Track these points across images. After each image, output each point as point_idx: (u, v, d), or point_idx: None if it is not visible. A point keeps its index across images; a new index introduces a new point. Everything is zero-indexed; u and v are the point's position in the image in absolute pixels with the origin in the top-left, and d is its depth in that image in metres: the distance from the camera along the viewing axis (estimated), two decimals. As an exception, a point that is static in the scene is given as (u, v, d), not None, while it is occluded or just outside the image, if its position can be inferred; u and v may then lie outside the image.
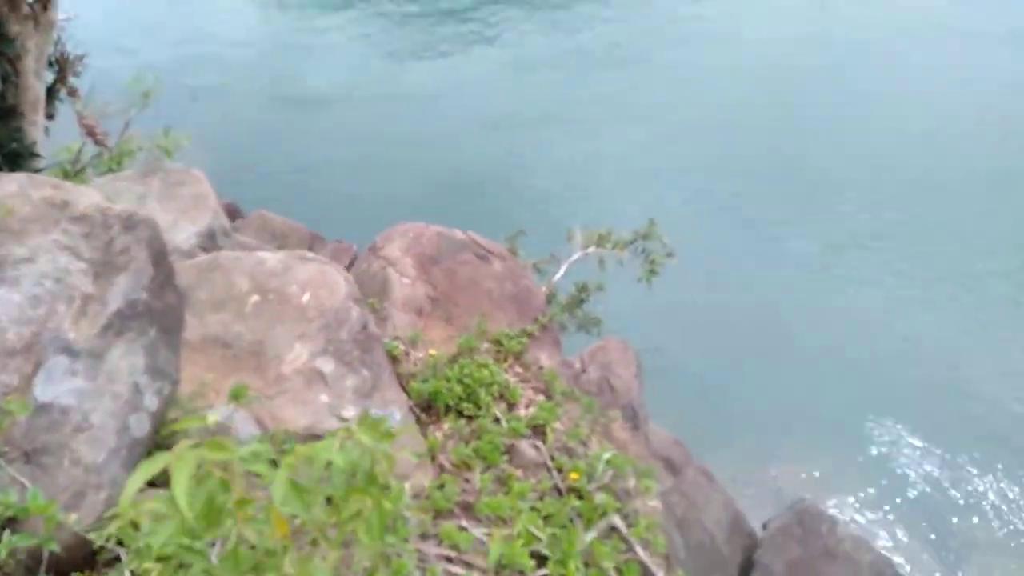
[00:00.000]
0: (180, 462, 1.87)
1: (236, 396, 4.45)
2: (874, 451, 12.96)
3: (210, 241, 6.26)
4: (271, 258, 5.40)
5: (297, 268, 5.31)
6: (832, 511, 11.80)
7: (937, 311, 15.32)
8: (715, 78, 22.46)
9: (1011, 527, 11.59)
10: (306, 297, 5.17)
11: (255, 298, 5.20)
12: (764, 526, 10.41)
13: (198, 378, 4.70)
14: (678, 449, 10.81)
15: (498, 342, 6.30)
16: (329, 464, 2.05)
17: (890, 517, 12.12)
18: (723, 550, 9.97)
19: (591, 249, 10.59)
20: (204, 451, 1.91)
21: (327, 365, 4.94)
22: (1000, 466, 12.59)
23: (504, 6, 26.82)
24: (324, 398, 4.84)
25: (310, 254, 5.59)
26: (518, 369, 6.33)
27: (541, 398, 6.07)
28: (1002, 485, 12.31)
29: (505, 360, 6.19)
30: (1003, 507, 12.02)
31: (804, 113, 20.82)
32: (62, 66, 9.59)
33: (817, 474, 12.61)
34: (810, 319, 15.05)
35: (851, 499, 12.37)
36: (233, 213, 12.79)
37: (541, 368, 6.46)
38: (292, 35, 25.63)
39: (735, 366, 13.97)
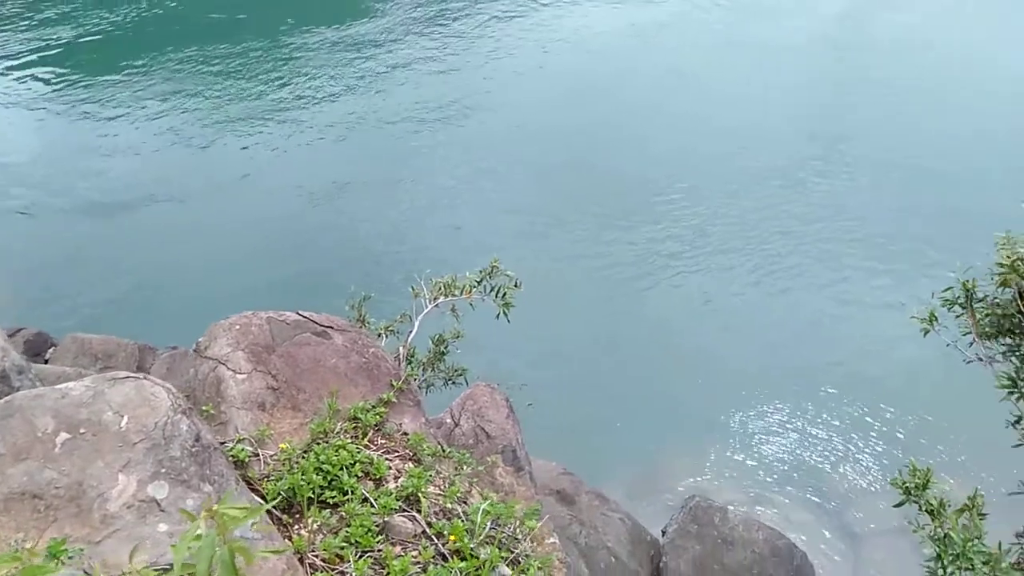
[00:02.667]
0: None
1: (54, 554, 3.86)
2: (746, 436, 13.63)
3: (2, 384, 5.53)
4: (77, 387, 4.83)
5: (109, 391, 4.78)
6: (721, 501, 12.22)
7: (769, 298, 16.50)
8: (529, 111, 23.32)
9: (871, 477, 12.49)
10: (124, 421, 4.66)
11: (64, 436, 4.62)
12: (663, 532, 10.58)
13: (5, 543, 4.06)
14: (568, 479, 10.81)
15: (354, 418, 5.99)
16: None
17: (771, 491, 12.73)
18: (629, 565, 10.01)
19: (440, 300, 10.51)
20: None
21: (160, 490, 4.44)
22: (856, 428, 13.62)
23: (299, 76, 26.43)
24: (163, 527, 4.34)
25: (123, 373, 5.06)
26: (381, 441, 6.03)
27: (410, 466, 5.81)
28: (859, 444, 13.30)
29: (365, 435, 5.88)
30: (863, 461, 12.97)
31: (618, 135, 21.97)
32: None
33: (702, 470, 13.06)
34: (659, 325, 15.73)
35: (735, 485, 12.88)
36: (41, 343, 11.55)
37: (406, 435, 6.20)
38: (81, 137, 23.82)
39: (603, 384, 14.30)
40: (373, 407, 6.12)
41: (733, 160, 19.78)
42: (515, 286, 10.38)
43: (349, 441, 5.61)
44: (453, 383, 9.98)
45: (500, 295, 10.37)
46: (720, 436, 13.50)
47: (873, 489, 12.18)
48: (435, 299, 10.50)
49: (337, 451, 5.35)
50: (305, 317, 6.48)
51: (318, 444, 5.47)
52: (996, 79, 21.40)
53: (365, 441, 5.80)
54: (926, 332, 7.44)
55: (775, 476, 12.98)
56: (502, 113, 22.86)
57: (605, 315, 15.96)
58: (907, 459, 11.89)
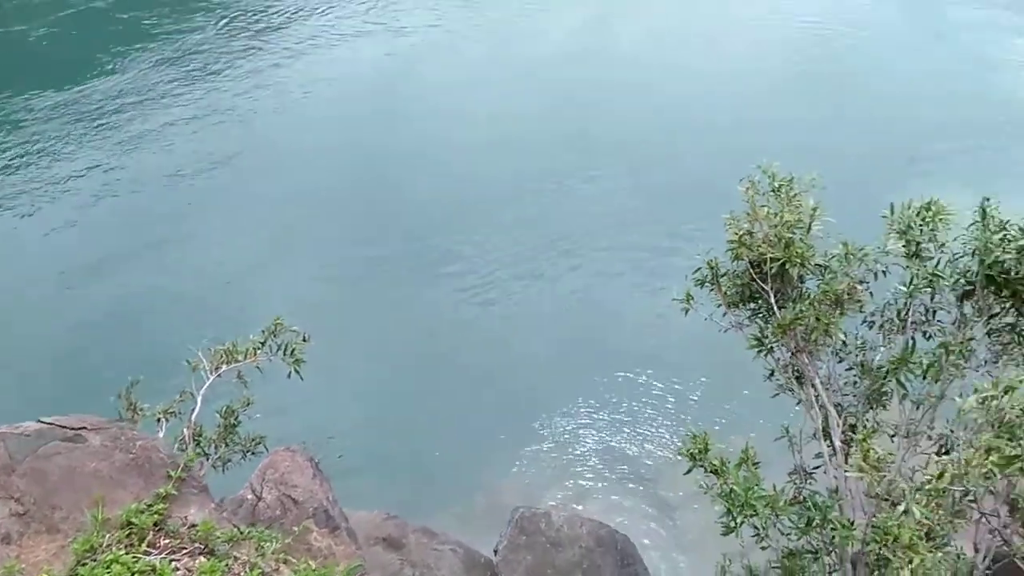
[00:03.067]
0: None
1: None
2: (559, 436, 14.18)
3: None
4: None
5: None
6: (547, 504, 12.60)
7: (557, 300, 17.30)
8: (296, 154, 22.60)
9: (673, 447, 13.51)
10: None
11: None
12: (495, 550, 10.66)
13: None
14: (393, 523, 10.55)
15: (128, 523, 5.37)
16: None
17: (590, 482, 13.34)
18: (468, 592, 9.97)
19: (223, 368, 9.81)
20: None
21: None
22: (652, 405, 14.68)
23: (34, 146, 23.59)
24: None
25: None
26: (165, 541, 5.47)
27: (202, 561, 5.31)
28: (657, 418, 14.37)
29: (143, 540, 5.29)
30: (663, 434, 14.03)
31: (392, 168, 21.88)
32: None
33: (525, 479, 13.37)
34: (457, 349, 15.94)
35: (557, 484, 13.34)
36: None
37: (194, 527, 5.67)
38: None
39: (413, 418, 14.20)
40: (150, 506, 5.52)
41: (505, 174, 20.58)
42: (304, 340, 9.97)
43: (123, 552, 5.01)
44: (252, 453, 9.34)
45: (288, 353, 9.90)
46: (535, 441, 13.93)
47: (677, 459, 13.18)
48: (217, 369, 9.79)
49: (109, 567, 4.76)
50: (49, 424, 5.71)
51: (84, 565, 4.83)
52: (711, 74, 24.22)
53: (144, 547, 5.21)
54: (687, 311, 8.23)
55: (591, 467, 13.64)
56: (268, 160, 22.03)
57: (401, 349, 15.90)
58: (698, 424, 13.02)
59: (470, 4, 29.09)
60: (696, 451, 6.98)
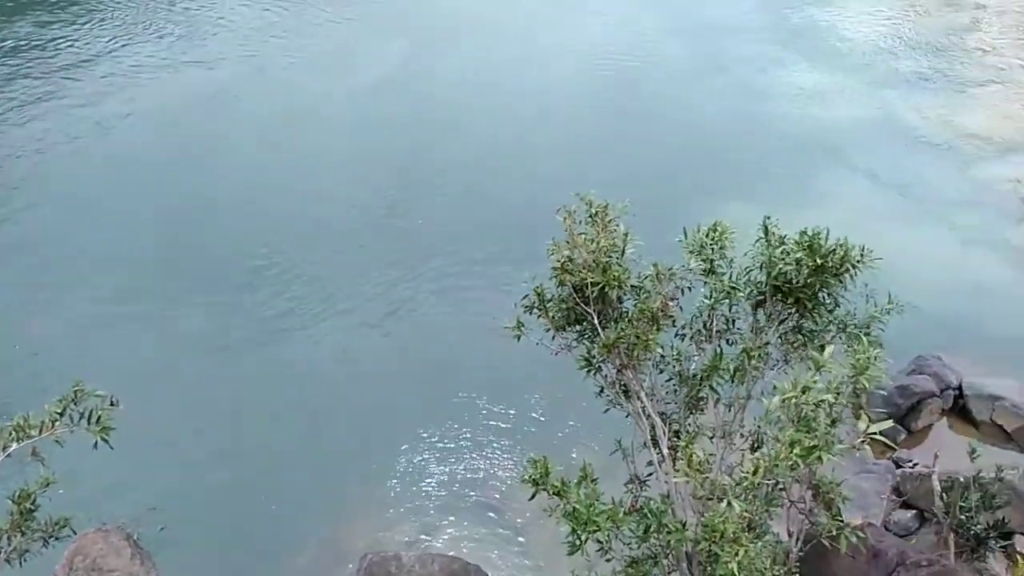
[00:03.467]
0: None
1: None
2: (405, 474, 13.95)
3: None
4: None
5: None
6: (399, 545, 12.33)
7: (388, 336, 17.03)
8: (94, 193, 20.63)
9: (517, 470, 13.76)
10: None
11: None
12: (347, 605, 10.26)
13: None
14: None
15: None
16: None
17: (441, 517, 13.24)
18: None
19: (13, 447, 8.69)
20: None
21: None
22: (493, 431, 14.84)
23: None
24: None
25: None
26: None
27: None
28: (500, 443, 14.55)
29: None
30: (507, 458, 14.25)
31: (201, 208, 20.55)
32: None
33: (368, 523, 13.00)
34: (288, 397, 15.27)
35: (408, 523, 13.10)
36: None
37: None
38: None
39: (243, 478, 13.38)
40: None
41: (330, 211, 20.07)
42: (112, 405, 9.08)
43: None
44: (56, 539, 8.36)
45: (94, 420, 8.97)
46: (378, 481, 13.59)
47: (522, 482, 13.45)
48: (5, 448, 8.67)
49: None
50: None
51: None
52: (515, 102, 25.18)
53: None
54: (519, 337, 8.47)
55: (439, 499, 13.52)
56: (64, 206, 19.98)
57: (226, 402, 14.96)
58: (541, 442, 13.33)
59: (287, 35, 28.35)
60: (538, 476, 7.16)
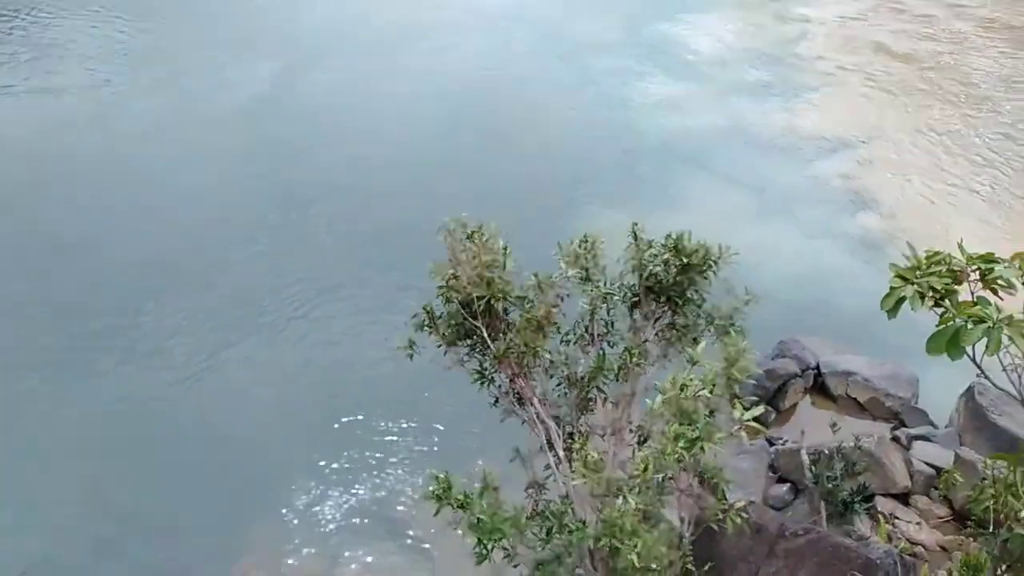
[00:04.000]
0: None
1: None
2: (305, 508, 13.55)
3: None
4: None
5: None
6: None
7: (280, 363, 16.54)
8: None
9: (412, 490, 13.71)
10: None
11: None
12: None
13: None
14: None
15: None
16: None
17: (349, 548, 12.97)
18: None
19: None
20: None
21: None
22: (384, 448, 14.71)
23: None
24: None
25: None
26: None
27: None
28: (399, 463, 14.42)
29: None
30: (410, 477, 14.14)
31: (58, 240, 19.14)
32: None
33: (271, 565, 12.56)
34: (166, 440, 14.51)
35: (308, 560, 12.74)
36: None
37: None
38: None
39: (127, 537, 12.56)
40: None
41: (201, 239, 19.22)
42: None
43: None
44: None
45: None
46: (278, 518, 13.12)
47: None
48: None
49: None
50: None
51: None
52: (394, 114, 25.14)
53: None
54: (411, 355, 8.52)
55: (343, 527, 13.21)
56: None
57: (97, 450, 14.03)
58: (444, 459, 13.31)
59: (147, 59, 26.92)
60: (440, 491, 7.25)
